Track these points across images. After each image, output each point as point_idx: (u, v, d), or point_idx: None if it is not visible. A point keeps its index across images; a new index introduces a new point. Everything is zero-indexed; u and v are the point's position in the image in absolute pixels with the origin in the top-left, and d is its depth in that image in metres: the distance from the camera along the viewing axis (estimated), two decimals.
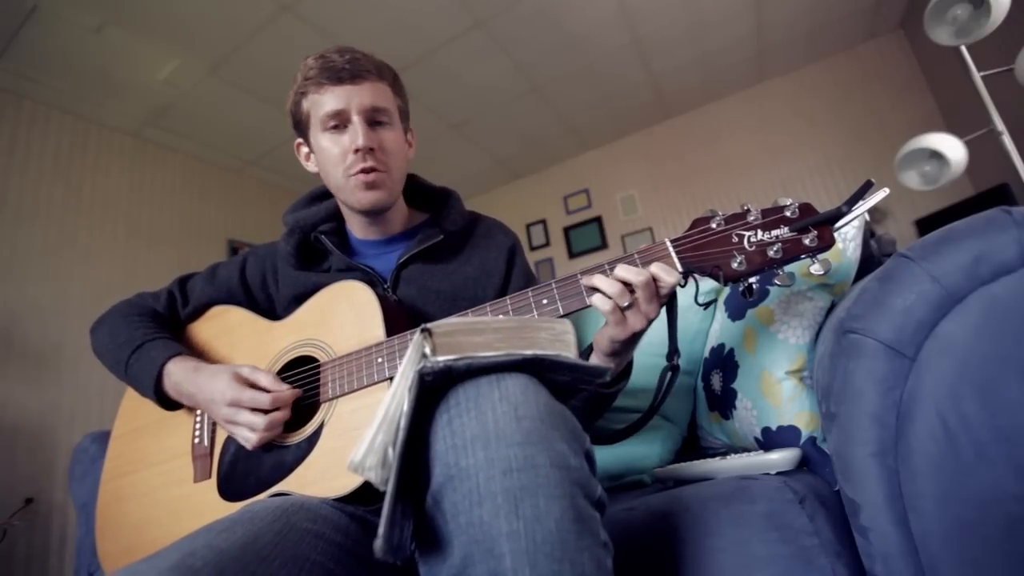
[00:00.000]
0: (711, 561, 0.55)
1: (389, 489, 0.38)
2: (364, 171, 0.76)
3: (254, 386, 0.71)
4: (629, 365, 0.72)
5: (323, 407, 0.71)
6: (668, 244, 0.63)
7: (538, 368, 0.46)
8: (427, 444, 0.42)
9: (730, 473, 0.68)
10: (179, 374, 0.76)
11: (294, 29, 2.43)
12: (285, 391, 0.71)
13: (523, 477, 0.38)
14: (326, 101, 0.75)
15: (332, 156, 0.77)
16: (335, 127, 0.76)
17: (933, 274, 0.50)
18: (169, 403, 0.79)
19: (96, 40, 2.31)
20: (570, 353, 0.47)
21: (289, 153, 3.44)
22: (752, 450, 0.79)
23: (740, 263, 0.59)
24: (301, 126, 0.81)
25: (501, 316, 0.65)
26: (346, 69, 0.75)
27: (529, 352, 0.45)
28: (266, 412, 0.69)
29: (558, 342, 0.48)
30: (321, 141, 0.78)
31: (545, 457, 0.40)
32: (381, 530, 0.36)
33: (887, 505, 0.50)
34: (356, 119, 0.75)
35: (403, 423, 0.40)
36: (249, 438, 0.69)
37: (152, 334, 0.81)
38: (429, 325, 0.44)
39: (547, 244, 4.30)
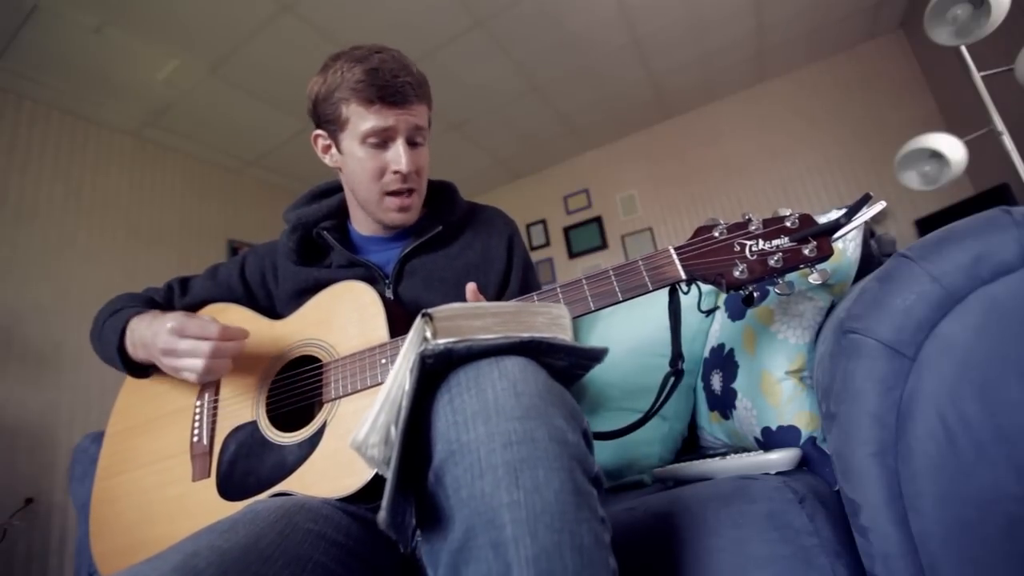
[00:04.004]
0: (711, 561, 0.55)
1: (392, 466, 0.39)
2: (402, 193, 0.79)
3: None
4: None
5: (325, 407, 0.71)
6: (672, 252, 0.63)
7: (535, 351, 0.47)
8: (429, 425, 0.43)
9: (730, 473, 0.68)
10: (137, 323, 0.76)
11: (294, 29, 2.42)
12: (236, 327, 0.71)
13: (523, 449, 0.39)
14: (372, 119, 0.75)
15: (368, 169, 0.78)
16: (376, 144, 0.77)
17: (933, 274, 0.50)
18: (132, 365, 0.79)
19: (96, 40, 2.31)
20: (566, 336, 0.48)
21: (289, 153, 3.41)
22: (752, 450, 0.79)
23: (742, 272, 0.60)
24: (330, 124, 0.80)
25: (500, 302, 0.66)
26: (399, 93, 0.75)
27: (527, 335, 0.46)
28: (212, 340, 0.68)
29: (555, 326, 0.49)
30: (357, 151, 0.78)
31: (544, 431, 0.40)
32: (385, 502, 0.37)
33: (887, 505, 0.50)
34: (400, 142, 0.77)
35: (405, 402, 0.41)
36: (194, 364, 0.68)
37: (133, 306, 0.82)
38: (430, 310, 0.45)
39: (547, 244, 4.30)
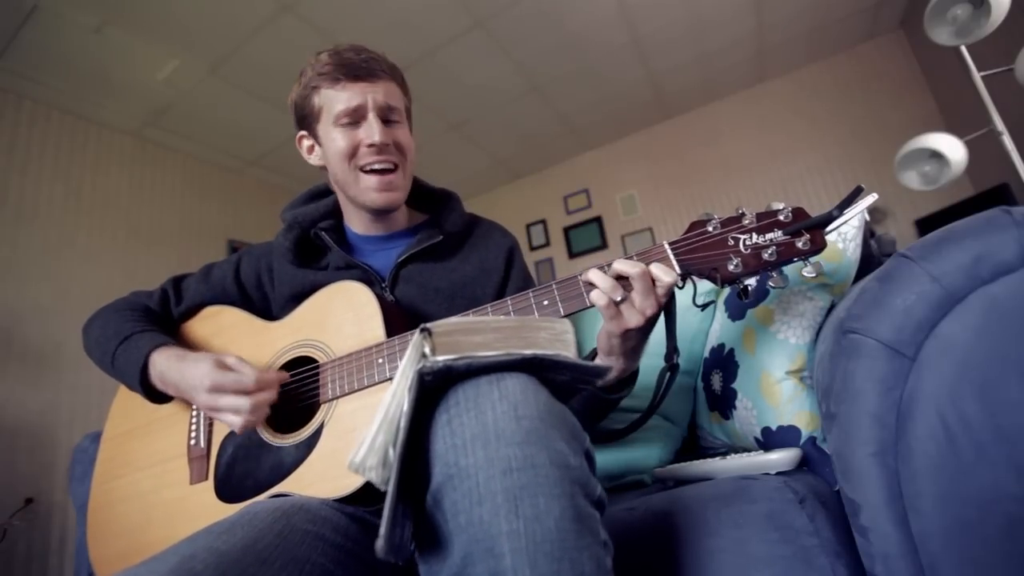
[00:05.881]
0: (711, 561, 0.55)
1: (390, 489, 0.38)
2: (380, 171, 0.78)
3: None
4: (634, 374, 0.72)
5: (323, 408, 0.71)
6: (666, 246, 0.63)
7: (538, 368, 0.46)
8: (427, 444, 0.42)
9: (730, 473, 0.68)
10: (163, 363, 0.75)
11: (294, 29, 2.42)
12: (270, 373, 0.71)
13: (523, 476, 0.38)
14: (342, 97, 0.77)
15: (342, 149, 0.78)
16: (349, 124, 0.78)
17: (933, 274, 0.50)
18: (155, 395, 0.78)
19: (96, 40, 2.31)
20: (569, 352, 0.47)
21: (289, 153, 3.41)
22: (752, 450, 0.79)
23: (736, 265, 0.60)
24: (307, 120, 0.82)
25: (501, 316, 0.65)
26: (363, 67, 0.77)
27: (528, 352, 0.45)
28: (251, 395, 0.68)
29: (557, 342, 0.48)
30: (332, 134, 0.78)
31: (545, 456, 0.40)
32: (383, 530, 0.36)
33: (887, 505, 0.50)
34: (372, 116, 0.77)
35: (403, 423, 0.40)
36: (234, 422, 0.68)
37: (141, 327, 0.81)
38: (428, 325, 0.44)
39: (547, 244, 4.30)
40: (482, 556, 0.37)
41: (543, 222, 4.35)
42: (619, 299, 0.61)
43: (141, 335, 0.79)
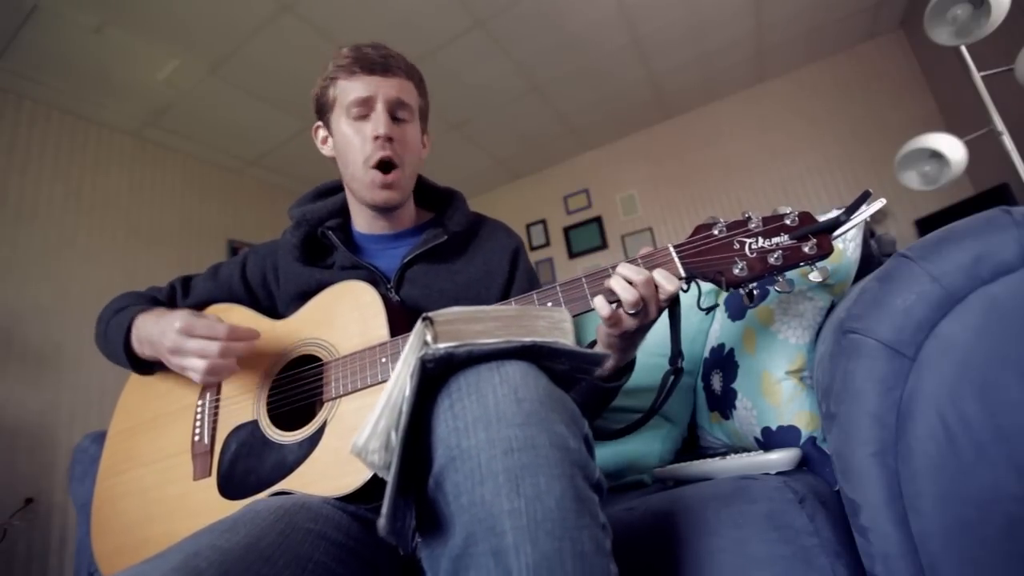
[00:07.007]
0: (711, 561, 0.55)
1: (392, 471, 0.39)
2: (382, 167, 0.79)
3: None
4: (632, 362, 0.73)
5: (326, 406, 0.72)
6: (671, 250, 0.64)
7: (536, 355, 0.47)
8: (429, 429, 0.43)
9: (730, 473, 0.68)
10: (142, 322, 0.77)
11: (294, 29, 2.43)
12: (246, 328, 0.71)
13: (524, 456, 0.39)
14: (354, 88, 0.78)
15: (352, 142, 0.79)
16: (359, 116, 0.79)
17: (933, 274, 0.50)
18: (139, 363, 0.80)
19: (96, 40, 2.31)
20: (568, 341, 0.48)
21: (289, 153, 3.40)
22: (752, 450, 0.79)
23: (741, 269, 0.60)
24: (324, 110, 0.83)
25: (501, 306, 0.66)
26: (379, 62, 0.79)
27: (528, 339, 0.46)
28: (221, 340, 0.69)
29: (556, 330, 0.49)
30: (342, 127, 0.80)
31: (545, 438, 0.40)
32: (384, 510, 0.37)
33: (887, 505, 0.50)
34: (380, 108, 0.78)
35: (405, 407, 0.40)
36: (198, 366, 0.68)
37: (139, 307, 0.83)
38: (430, 314, 0.44)
39: (547, 244, 4.30)
40: (484, 535, 0.37)
41: (543, 222, 4.35)
42: (634, 311, 0.61)
43: (135, 308, 0.81)
